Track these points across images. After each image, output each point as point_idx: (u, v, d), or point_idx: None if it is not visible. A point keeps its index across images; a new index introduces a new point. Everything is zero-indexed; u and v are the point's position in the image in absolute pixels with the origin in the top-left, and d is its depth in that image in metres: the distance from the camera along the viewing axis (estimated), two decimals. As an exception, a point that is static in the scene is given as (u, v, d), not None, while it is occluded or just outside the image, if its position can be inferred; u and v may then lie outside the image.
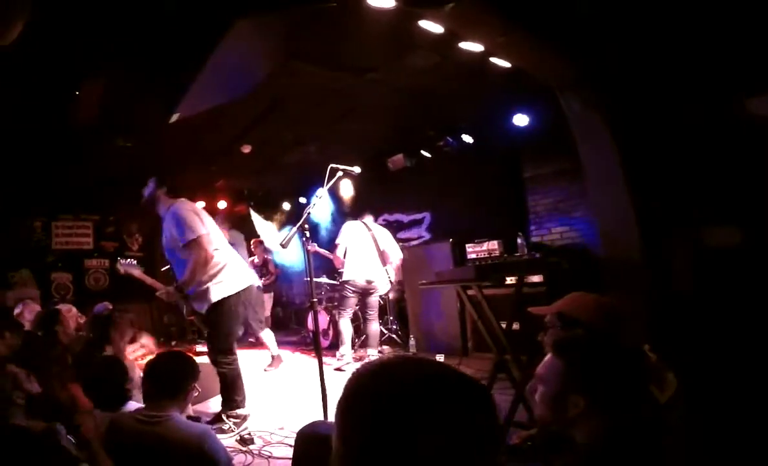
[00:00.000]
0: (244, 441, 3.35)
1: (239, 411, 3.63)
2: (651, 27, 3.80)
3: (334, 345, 6.88)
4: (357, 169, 3.43)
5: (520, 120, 5.80)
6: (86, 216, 8.55)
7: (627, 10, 3.66)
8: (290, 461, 2.57)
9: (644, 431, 1.29)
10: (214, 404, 4.15)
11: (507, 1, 3.51)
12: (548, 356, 1.32)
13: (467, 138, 6.43)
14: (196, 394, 2.37)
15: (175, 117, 4.93)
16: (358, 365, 5.69)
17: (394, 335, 6.84)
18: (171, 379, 2.25)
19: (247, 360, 6.41)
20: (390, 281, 6.01)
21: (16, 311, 4.26)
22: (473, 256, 5.62)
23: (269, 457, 3.16)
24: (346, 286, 5.68)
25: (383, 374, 0.71)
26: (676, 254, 4.17)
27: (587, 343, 1.35)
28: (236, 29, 3.66)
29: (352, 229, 5.86)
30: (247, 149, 6.71)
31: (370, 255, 5.78)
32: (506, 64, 4.33)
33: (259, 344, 6.38)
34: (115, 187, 7.68)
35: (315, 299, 3.33)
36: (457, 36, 3.95)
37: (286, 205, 9.58)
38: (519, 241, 5.27)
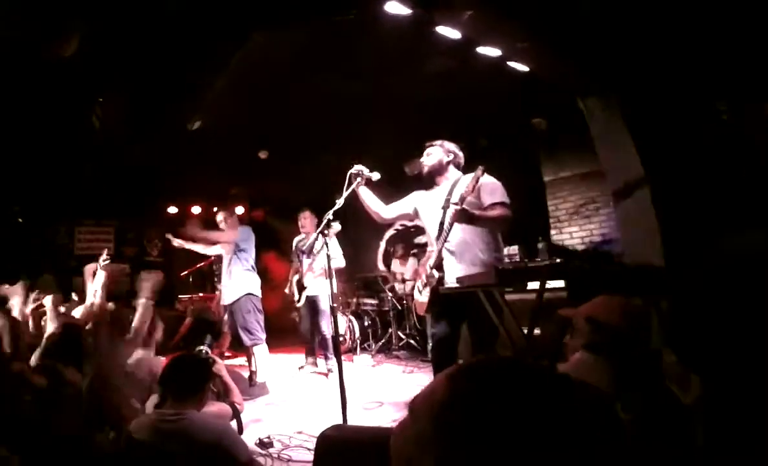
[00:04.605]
0: (263, 445, 3.36)
1: None
2: (674, 33, 3.76)
3: (351, 349, 6.91)
4: (376, 175, 3.41)
5: (539, 123, 5.76)
6: (108, 221, 8.69)
7: (650, 16, 3.63)
8: (310, 464, 2.57)
9: (669, 431, 1.27)
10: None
11: (526, 7, 3.50)
12: (577, 355, 1.31)
13: (484, 142, 6.39)
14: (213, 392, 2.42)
15: (196, 125, 5.01)
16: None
17: (412, 340, 6.81)
18: (187, 380, 2.32)
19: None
20: None
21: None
22: (493, 261, 5.57)
23: (288, 460, 3.16)
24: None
25: (497, 381, 0.59)
26: (698, 258, 4.09)
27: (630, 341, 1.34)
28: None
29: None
30: (264, 155, 6.77)
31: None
32: (525, 68, 4.31)
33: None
34: (135, 194, 7.84)
35: (335, 304, 3.33)
36: (474, 42, 3.95)
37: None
38: (540, 245, 5.23)
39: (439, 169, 3.35)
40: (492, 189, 3.01)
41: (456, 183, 3.24)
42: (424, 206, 3.42)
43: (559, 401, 0.56)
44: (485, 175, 3.01)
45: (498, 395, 0.56)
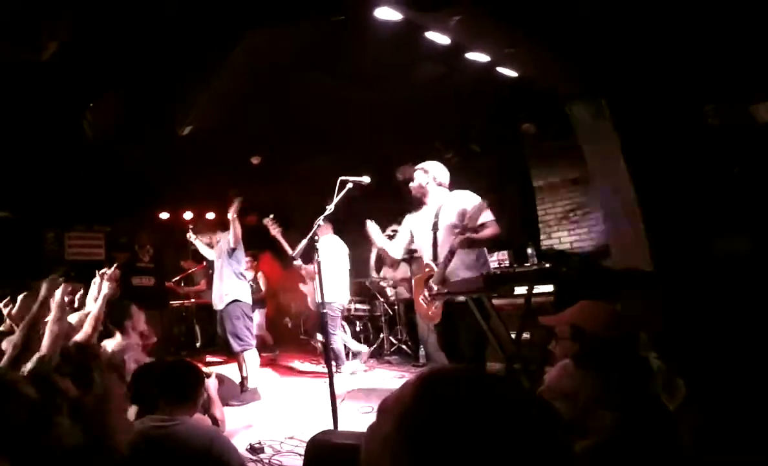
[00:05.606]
0: (255, 450, 3.36)
1: None
2: (660, 37, 3.82)
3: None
4: (366, 179, 3.44)
5: (529, 129, 5.80)
6: (99, 227, 8.62)
7: (636, 20, 3.68)
8: (301, 471, 2.58)
9: (652, 437, 1.29)
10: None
11: (514, 12, 3.55)
12: (562, 363, 1.33)
13: (475, 147, 6.42)
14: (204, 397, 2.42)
15: (187, 130, 5.00)
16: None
17: (403, 346, 6.82)
18: (182, 386, 2.31)
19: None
20: None
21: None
22: (483, 266, 5.60)
23: (279, 466, 3.17)
24: (335, 307, 5.57)
25: (462, 389, 0.63)
26: (686, 262, 4.14)
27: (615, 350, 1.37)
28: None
29: (331, 245, 5.76)
30: (256, 160, 6.76)
31: (347, 275, 5.89)
32: (513, 74, 4.36)
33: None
34: (127, 199, 7.79)
35: (325, 310, 3.35)
36: (464, 47, 3.99)
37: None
38: (529, 251, 5.27)
39: (422, 193, 3.62)
40: (480, 209, 3.21)
41: (442, 205, 3.47)
42: (416, 228, 3.69)
43: (511, 414, 0.59)
44: (468, 192, 3.40)
45: (458, 405, 0.59)
